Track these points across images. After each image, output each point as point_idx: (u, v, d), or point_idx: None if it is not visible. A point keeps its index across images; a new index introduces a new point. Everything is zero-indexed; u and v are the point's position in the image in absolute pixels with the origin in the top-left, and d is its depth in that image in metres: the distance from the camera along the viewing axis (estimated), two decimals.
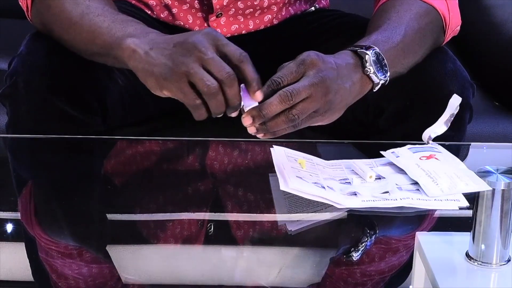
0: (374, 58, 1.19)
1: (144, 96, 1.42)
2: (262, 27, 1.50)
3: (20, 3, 1.36)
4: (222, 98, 1.09)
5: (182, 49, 1.11)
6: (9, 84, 1.31)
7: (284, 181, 1.11)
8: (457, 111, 1.19)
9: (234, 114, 1.11)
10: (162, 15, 1.48)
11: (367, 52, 1.19)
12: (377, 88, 1.21)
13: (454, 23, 1.36)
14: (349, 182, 1.15)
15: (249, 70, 1.10)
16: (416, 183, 1.14)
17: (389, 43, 1.23)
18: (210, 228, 1.14)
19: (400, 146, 1.21)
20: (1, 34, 1.97)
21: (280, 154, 1.18)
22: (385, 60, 1.20)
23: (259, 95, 1.09)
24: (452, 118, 1.19)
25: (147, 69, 1.13)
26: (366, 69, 1.19)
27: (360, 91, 1.20)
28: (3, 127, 1.61)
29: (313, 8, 1.57)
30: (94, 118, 1.33)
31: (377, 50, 1.20)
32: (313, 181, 1.13)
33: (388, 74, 1.21)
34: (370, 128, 1.38)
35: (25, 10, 1.35)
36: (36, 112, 1.30)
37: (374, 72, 1.19)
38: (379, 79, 1.20)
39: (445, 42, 1.38)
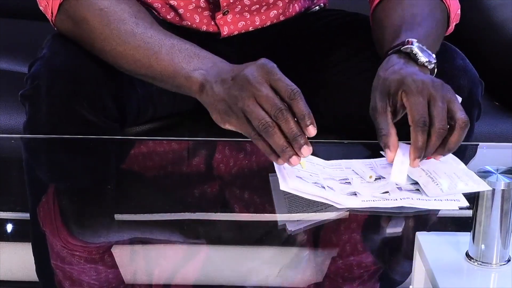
0: (418, 47, 1.20)
1: (156, 102, 1.43)
2: (268, 23, 1.50)
3: (40, 7, 1.34)
4: (279, 134, 1.09)
5: (237, 83, 1.12)
6: (31, 86, 1.31)
7: (284, 181, 1.11)
8: None
9: (306, 153, 1.10)
10: (168, 16, 1.48)
11: (410, 46, 1.20)
12: (434, 73, 1.22)
13: (454, 7, 1.36)
14: (349, 182, 1.15)
15: (301, 106, 1.10)
16: (416, 183, 1.14)
17: (419, 38, 1.24)
18: (210, 228, 1.15)
19: None
20: (6, 34, 1.97)
21: None
22: (424, 47, 1.22)
23: (311, 130, 1.10)
24: None
25: (212, 104, 1.15)
26: (419, 60, 1.20)
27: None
28: (4, 127, 1.62)
29: (317, 8, 1.58)
30: (113, 124, 1.33)
31: (415, 40, 1.21)
32: (313, 181, 1.13)
33: (433, 55, 1.22)
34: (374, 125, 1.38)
35: (48, 15, 1.33)
36: (56, 116, 1.29)
37: (427, 61, 1.21)
38: (432, 63, 1.21)
39: (451, 29, 1.38)
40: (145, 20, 1.28)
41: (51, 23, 1.35)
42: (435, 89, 1.13)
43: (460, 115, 1.12)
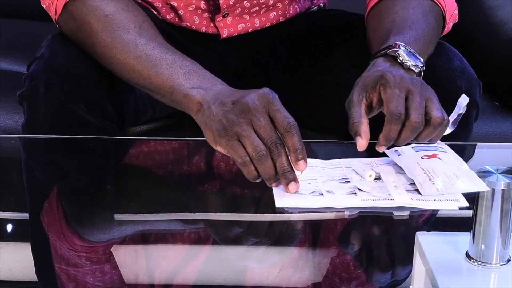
0: (404, 50, 1.21)
1: (155, 103, 1.43)
2: (268, 24, 1.50)
3: (43, 5, 1.34)
4: (270, 163, 1.11)
5: (237, 108, 1.13)
6: (29, 86, 1.30)
7: (280, 198, 1.11)
8: (464, 111, 1.19)
9: (292, 189, 1.11)
10: (168, 17, 1.48)
11: (396, 49, 1.21)
12: (421, 76, 1.23)
13: (450, 8, 1.36)
14: (349, 181, 1.15)
15: (295, 140, 1.10)
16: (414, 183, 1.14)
17: (408, 41, 1.24)
18: (210, 228, 1.14)
19: (405, 145, 1.21)
20: (6, 35, 1.97)
21: None
22: (411, 49, 1.22)
23: (302, 165, 1.10)
24: (460, 118, 1.19)
25: (207, 123, 1.15)
26: (405, 64, 1.21)
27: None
28: (5, 127, 1.63)
29: (316, 8, 1.58)
30: (111, 126, 1.33)
31: (402, 44, 1.22)
32: (311, 191, 1.13)
33: (421, 59, 1.23)
34: (374, 125, 1.38)
35: (52, 13, 1.33)
36: (54, 117, 1.29)
37: (414, 65, 1.22)
38: (418, 67, 1.22)
39: (448, 29, 1.38)
40: (149, 31, 1.27)
41: (54, 21, 1.35)
42: (414, 85, 1.14)
43: (436, 113, 1.13)
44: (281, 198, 1.11)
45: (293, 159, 1.11)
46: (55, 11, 1.32)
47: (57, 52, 1.32)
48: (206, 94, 1.17)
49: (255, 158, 1.10)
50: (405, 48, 1.22)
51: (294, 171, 1.11)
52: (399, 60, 1.21)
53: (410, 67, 1.21)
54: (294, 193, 1.12)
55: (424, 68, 1.23)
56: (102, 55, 1.28)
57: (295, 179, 1.11)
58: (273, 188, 1.13)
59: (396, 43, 1.22)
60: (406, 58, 1.21)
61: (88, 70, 1.30)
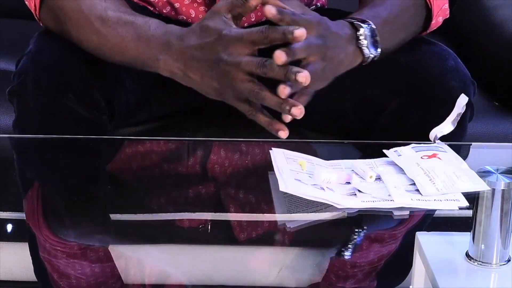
0: (368, 33, 1.21)
1: (149, 98, 1.43)
2: (263, 19, 1.50)
3: (25, 1, 1.35)
4: (269, 94, 1.13)
5: (218, 72, 1.15)
6: (18, 82, 1.31)
7: (284, 183, 1.11)
8: (463, 111, 1.19)
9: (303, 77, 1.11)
10: (164, 11, 1.48)
11: (363, 25, 1.21)
12: (367, 62, 1.23)
13: (439, 2, 1.36)
14: (349, 182, 1.15)
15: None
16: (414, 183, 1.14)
17: (378, 19, 1.25)
18: (210, 228, 1.14)
19: (404, 146, 1.21)
20: (5, 35, 1.97)
21: (279, 156, 1.18)
22: (378, 36, 1.22)
23: (300, 33, 1.12)
24: (459, 118, 1.19)
25: (197, 87, 1.19)
26: (360, 41, 1.20)
27: (351, 63, 1.22)
28: (5, 126, 1.62)
29: (314, 7, 1.58)
30: (102, 118, 1.33)
31: (372, 25, 1.22)
32: (312, 183, 1.13)
33: (379, 50, 1.23)
34: (371, 125, 1.38)
35: (32, 10, 1.35)
36: (44, 111, 1.30)
37: (367, 46, 1.21)
38: (370, 53, 1.22)
39: (438, 23, 1.37)
40: (113, 2, 1.28)
41: (36, 17, 1.36)
42: (327, 48, 1.16)
43: (305, 73, 1.12)
44: (285, 183, 1.11)
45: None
46: (35, 6, 1.33)
47: (43, 47, 1.33)
48: (172, 60, 1.19)
49: (254, 99, 1.13)
50: (372, 30, 1.22)
51: (293, 69, 1.11)
52: (357, 33, 1.21)
53: (363, 47, 1.21)
54: (296, 181, 1.11)
55: (375, 58, 1.23)
56: (78, 39, 1.30)
57: (298, 71, 1.11)
58: (277, 173, 1.13)
59: (367, 21, 1.22)
60: (365, 36, 1.21)
61: (74, 62, 1.30)
